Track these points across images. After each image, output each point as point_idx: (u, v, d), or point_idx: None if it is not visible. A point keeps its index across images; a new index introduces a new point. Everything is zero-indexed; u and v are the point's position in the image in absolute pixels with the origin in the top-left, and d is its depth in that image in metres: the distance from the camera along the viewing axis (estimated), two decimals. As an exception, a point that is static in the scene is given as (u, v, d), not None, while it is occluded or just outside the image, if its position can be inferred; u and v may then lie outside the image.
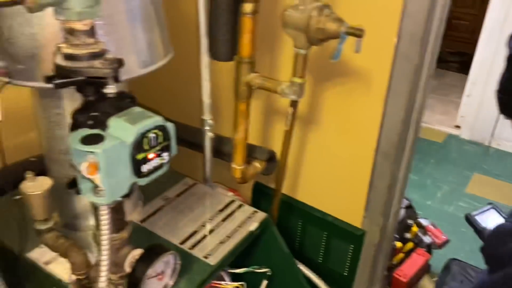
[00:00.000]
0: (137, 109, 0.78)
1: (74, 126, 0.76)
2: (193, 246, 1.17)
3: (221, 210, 1.31)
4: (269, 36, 1.32)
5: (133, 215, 1.25)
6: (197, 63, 1.28)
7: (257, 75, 1.21)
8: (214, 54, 1.24)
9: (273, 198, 1.46)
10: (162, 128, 0.77)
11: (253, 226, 1.26)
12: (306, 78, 1.15)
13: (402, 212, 1.93)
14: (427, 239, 1.99)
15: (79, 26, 0.73)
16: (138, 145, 0.73)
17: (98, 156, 0.69)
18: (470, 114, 3.35)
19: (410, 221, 1.99)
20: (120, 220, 0.90)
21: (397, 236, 1.86)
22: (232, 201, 1.36)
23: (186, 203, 1.33)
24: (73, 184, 0.80)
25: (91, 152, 0.69)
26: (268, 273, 1.32)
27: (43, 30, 0.88)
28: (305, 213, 1.53)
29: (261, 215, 1.30)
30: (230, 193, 1.49)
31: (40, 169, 1.10)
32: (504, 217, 1.64)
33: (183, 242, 1.18)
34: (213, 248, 1.17)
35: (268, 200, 1.50)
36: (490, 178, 2.97)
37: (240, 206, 1.34)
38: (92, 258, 1.00)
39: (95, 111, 0.76)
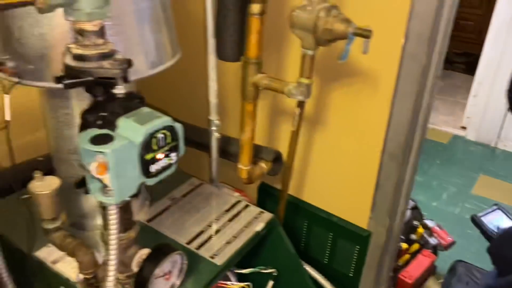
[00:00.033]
0: (145, 110, 0.78)
1: (83, 126, 0.77)
2: (200, 246, 1.17)
3: (228, 210, 1.32)
4: (276, 37, 1.32)
5: (140, 214, 1.26)
6: (204, 63, 1.28)
7: (264, 76, 1.21)
8: (221, 55, 1.24)
9: (279, 199, 1.46)
10: (170, 128, 0.77)
11: (259, 226, 1.26)
12: (313, 78, 1.15)
13: (408, 213, 1.92)
14: (433, 241, 1.99)
15: (88, 26, 0.74)
16: (147, 145, 0.74)
17: (107, 156, 0.70)
18: (476, 115, 3.33)
19: (416, 222, 1.99)
20: (128, 219, 0.90)
21: (402, 237, 1.86)
22: (238, 202, 1.36)
23: (192, 203, 1.33)
24: (81, 184, 0.81)
25: (100, 152, 0.70)
26: (274, 274, 1.32)
27: (53, 30, 0.88)
28: (310, 214, 1.53)
29: (267, 215, 1.31)
30: (236, 194, 1.49)
31: (47, 169, 1.11)
32: (510, 218, 1.63)
33: (189, 242, 1.18)
34: (220, 248, 1.17)
35: (274, 200, 1.51)
36: (497, 180, 2.95)
37: (246, 206, 1.34)
38: (99, 258, 1.01)
39: (104, 111, 0.76)
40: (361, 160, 1.36)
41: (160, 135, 0.75)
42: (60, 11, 0.73)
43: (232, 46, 1.21)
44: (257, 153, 1.42)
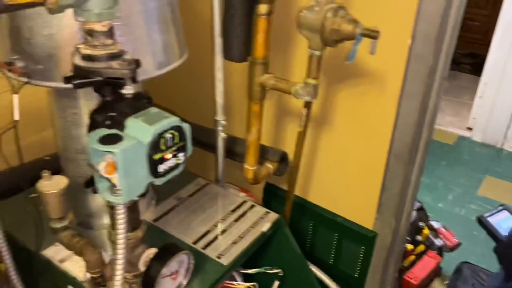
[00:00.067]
0: (154, 110, 0.78)
1: (92, 126, 0.77)
2: (206, 246, 1.18)
3: (234, 211, 1.32)
4: (283, 37, 1.32)
5: (146, 214, 1.26)
6: (211, 63, 1.28)
7: (270, 76, 1.21)
8: (228, 55, 1.25)
9: (284, 199, 1.46)
10: (178, 128, 0.77)
11: (265, 226, 1.26)
12: (320, 79, 1.15)
13: (414, 214, 1.92)
14: (438, 242, 1.98)
15: (98, 27, 0.74)
16: (155, 145, 0.74)
17: (116, 156, 0.70)
18: (482, 116, 3.32)
19: (421, 224, 1.99)
20: (135, 219, 0.90)
21: (408, 238, 1.86)
22: (244, 202, 1.36)
23: (198, 203, 1.34)
24: (89, 183, 0.81)
25: (109, 152, 0.70)
26: (280, 274, 1.32)
27: (62, 31, 0.89)
28: (316, 215, 1.52)
29: (273, 215, 1.31)
30: (242, 194, 1.49)
31: (54, 168, 1.11)
32: (516, 218, 1.62)
33: (196, 242, 1.19)
34: (226, 248, 1.18)
35: (279, 201, 1.51)
36: (503, 181, 2.94)
37: (252, 206, 1.34)
38: (106, 257, 1.01)
39: (112, 111, 0.77)
40: (367, 161, 1.36)
41: (168, 135, 0.75)
42: (69, 11, 0.73)
43: (239, 46, 1.21)
44: (263, 153, 1.42)
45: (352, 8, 1.07)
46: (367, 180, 1.38)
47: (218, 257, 1.14)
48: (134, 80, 0.76)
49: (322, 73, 1.15)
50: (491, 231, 1.60)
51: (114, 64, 0.75)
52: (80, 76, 0.75)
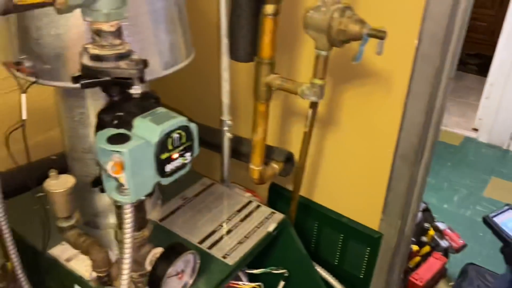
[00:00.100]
0: (161, 110, 0.78)
1: (100, 126, 0.77)
2: (212, 246, 1.18)
3: (239, 211, 1.32)
4: (289, 37, 1.32)
5: (152, 214, 1.27)
6: (217, 63, 1.29)
7: (277, 76, 1.21)
8: (234, 55, 1.25)
9: (289, 200, 1.46)
10: (185, 128, 0.77)
11: (271, 227, 1.26)
12: (326, 79, 1.15)
13: (419, 215, 1.91)
14: (444, 243, 1.98)
15: (106, 27, 0.74)
16: (163, 145, 0.74)
17: (124, 155, 0.70)
18: (488, 117, 3.31)
19: (427, 225, 1.98)
20: (142, 218, 0.91)
21: (413, 239, 1.85)
22: (250, 202, 1.36)
23: (204, 203, 1.34)
24: (97, 183, 0.82)
25: (117, 151, 0.70)
26: (285, 274, 1.32)
27: (69, 31, 0.89)
28: (321, 215, 1.52)
29: (279, 216, 1.31)
30: (248, 194, 1.49)
31: (61, 167, 1.12)
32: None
33: (201, 242, 1.19)
34: (232, 248, 1.18)
35: (284, 201, 1.51)
36: (508, 182, 2.93)
37: (257, 206, 1.34)
38: (113, 256, 1.02)
39: (120, 111, 0.77)
40: (373, 161, 1.36)
41: (175, 135, 0.76)
42: (77, 11, 0.74)
43: (245, 46, 1.21)
44: (269, 153, 1.42)
45: (358, 8, 1.07)
46: (372, 181, 1.38)
47: (224, 257, 1.14)
48: (141, 80, 0.76)
49: (329, 73, 1.15)
50: (496, 231, 1.59)
51: (122, 64, 0.75)
52: (88, 76, 0.76)
